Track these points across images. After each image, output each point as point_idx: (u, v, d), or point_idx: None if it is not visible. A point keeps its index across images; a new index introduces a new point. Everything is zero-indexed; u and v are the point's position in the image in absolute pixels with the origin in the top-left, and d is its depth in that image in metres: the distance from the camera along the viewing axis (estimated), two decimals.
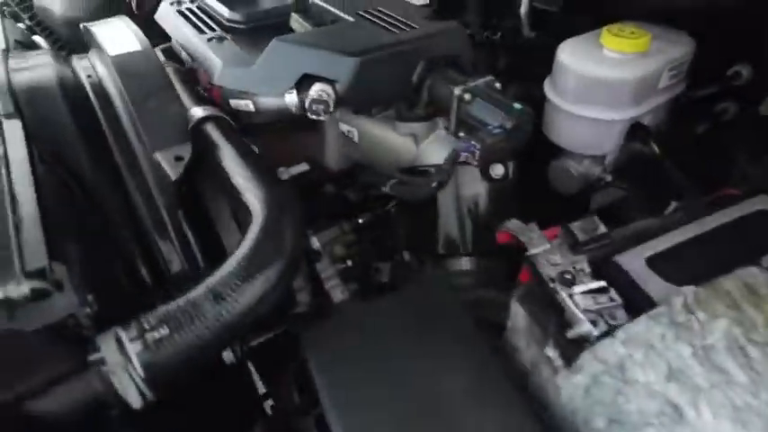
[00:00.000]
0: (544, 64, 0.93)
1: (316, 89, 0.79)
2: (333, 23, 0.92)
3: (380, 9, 0.92)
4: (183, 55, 1.03)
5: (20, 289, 0.51)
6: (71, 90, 0.86)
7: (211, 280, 0.60)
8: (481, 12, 1.17)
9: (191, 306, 0.58)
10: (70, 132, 0.81)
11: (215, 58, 0.87)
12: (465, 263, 0.94)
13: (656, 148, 0.88)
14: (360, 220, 1.05)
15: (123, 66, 0.84)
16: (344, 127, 0.98)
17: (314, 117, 0.73)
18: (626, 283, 0.61)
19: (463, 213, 0.92)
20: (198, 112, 0.86)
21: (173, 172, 0.72)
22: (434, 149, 0.92)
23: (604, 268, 0.63)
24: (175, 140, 0.78)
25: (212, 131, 0.85)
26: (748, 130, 0.82)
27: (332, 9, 0.94)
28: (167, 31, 1.07)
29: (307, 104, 0.72)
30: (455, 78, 0.82)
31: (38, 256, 0.54)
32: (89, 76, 0.89)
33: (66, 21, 1.35)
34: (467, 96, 0.78)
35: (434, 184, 0.78)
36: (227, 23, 0.96)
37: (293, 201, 0.74)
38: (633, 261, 0.63)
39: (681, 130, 0.91)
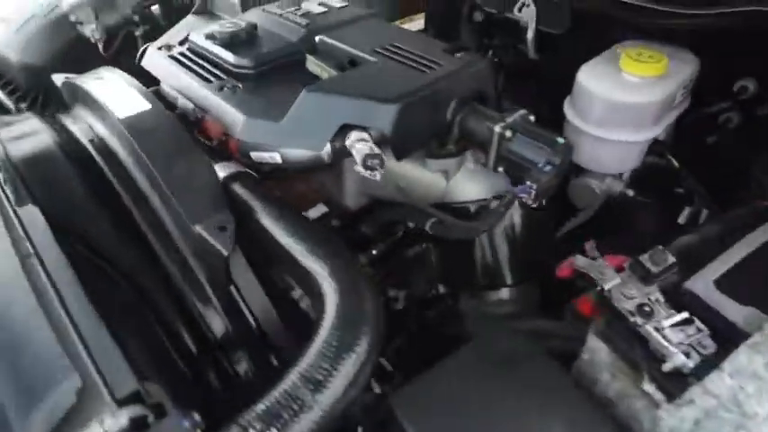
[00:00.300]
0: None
1: (354, 138, 0.76)
2: (351, 63, 0.89)
3: (398, 45, 0.90)
4: (180, 102, 0.96)
5: (118, 421, 0.45)
6: (78, 159, 0.78)
7: (303, 366, 0.56)
8: (476, 35, 1.18)
9: (291, 399, 0.54)
10: (89, 207, 0.74)
11: (234, 110, 0.82)
12: (504, 292, 0.95)
13: (675, 162, 0.92)
14: (374, 252, 1.04)
15: (137, 128, 0.76)
16: None
17: (368, 173, 0.70)
18: (703, 310, 0.63)
19: (499, 243, 0.92)
20: (219, 170, 0.81)
21: (223, 247, 0.67)
22: (465, 184, 0.92)
23: (677, 296, 0.66)
24: (212, 208, 0.72)
25: (241, 191, 0.80)
26: (762, 140, 0.88)
27: (345, 47, 0.90)
28: (159, 77, 0.99)
29: (360, 160, 0.69)
30: (491, 115, 0.81)
31: (124, 376, 0.48)
32: (92, 141, 0.81)
33: (24, 68, 1.22)
34: (508, 133, 0.78)
35: (487, 227, 0.77)
36: (235, 69, 0.90)
37: (357, 260, 0.71)
38: (703, 285, 0.66)
39: (691, 142, 0.96)
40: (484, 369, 0.67)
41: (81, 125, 0.84)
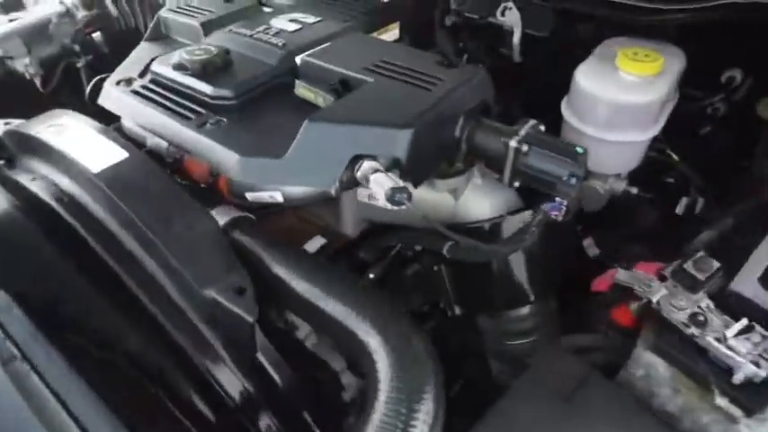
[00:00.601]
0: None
1: (367, 168, 0.69)
2: (343, 84, 0.81)
3: (389, 61, 0.83)
4: (150, 141, 0.85)
5: None
6: (45, 224, 0.66)
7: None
8: (452, 40, 1.15)
9: None
10: (69, 282, 0.63)
11: (224, 149, 0.72)
12: (525, 309, 0.91)
13: (675, 156, 0.92)
14: (371, 275, 0.99)
15: (118, 182, 0.66)
16: (367, 192, 0.89)
17: (395, 207, 0.64)
18: (756, 312, 0.62)
19: (520, 262, 0.89)
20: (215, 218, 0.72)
21: (247, 313, 0.58)
22: (476, 202, 0.88)
23: (724, 300, 0.64)
24: (223, 267, 0.63)
25: (244, 239, 0.71)
26: (751, 128, 0.90)
27: (333, 68, 0.83)
28: (121, 114, 0.88)
29: (387, 196, 0.63)
30: (501, 129, 0.77)
31: None
32: (60, 200, 0.69)
33: None
34: (524, 148, 0.74)
35: (515, 249, 0.74)
36: (213, 102, 0.80)
37: (396, 304, 0.65)
38: (748, 286, 0.65)
39: (683, 134, 0.97)
40: (545, 401, 0.63)
41: (42, 182, 0.71)
